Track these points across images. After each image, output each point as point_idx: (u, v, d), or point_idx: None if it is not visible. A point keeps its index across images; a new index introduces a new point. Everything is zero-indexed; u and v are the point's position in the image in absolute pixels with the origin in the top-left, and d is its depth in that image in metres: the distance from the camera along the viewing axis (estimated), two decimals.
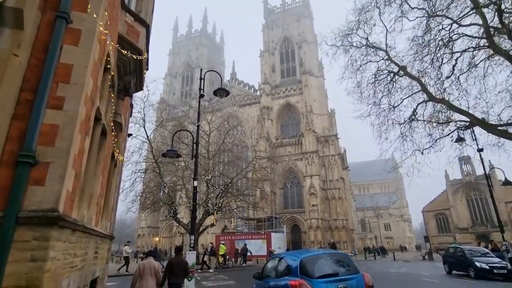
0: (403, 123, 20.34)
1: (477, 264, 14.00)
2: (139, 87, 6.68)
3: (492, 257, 14.86)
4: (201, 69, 12.22)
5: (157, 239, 56.37)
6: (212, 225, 26.06)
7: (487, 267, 13.61)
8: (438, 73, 18.35)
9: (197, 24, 78.04)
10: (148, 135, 25.30)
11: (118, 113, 5.64)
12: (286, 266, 5.35)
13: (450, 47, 17.01)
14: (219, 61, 78.18)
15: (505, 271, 13.27)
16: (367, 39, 21.00)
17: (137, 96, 24.39)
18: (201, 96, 11.44)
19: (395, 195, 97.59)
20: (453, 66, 16.56)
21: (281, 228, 44.28)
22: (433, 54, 17.67)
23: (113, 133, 5.54)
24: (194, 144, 10.87)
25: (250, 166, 28.51)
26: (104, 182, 5.63)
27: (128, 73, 5.73)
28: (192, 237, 9.61)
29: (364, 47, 21.33)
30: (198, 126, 11.21)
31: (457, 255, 16.07)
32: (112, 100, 5.18)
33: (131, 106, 8.64)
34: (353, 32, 21.27)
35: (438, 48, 17.42)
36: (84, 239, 4.17)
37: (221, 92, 11.41)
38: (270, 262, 6.64)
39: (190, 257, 9.35)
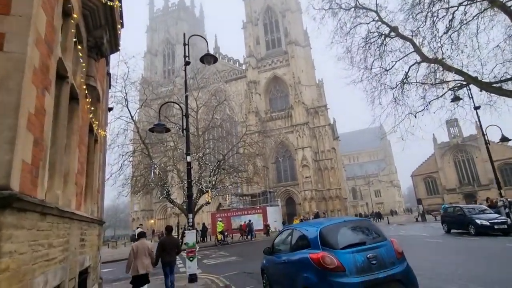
0: (395, 87, 19.79)
1: (478, 221, 14.04)
2: (114, 46, 5.65)
3: (491, 213, 14.95)
4: (184, 34, 11.08)
5: (152, 221, 56.15)
6: (207, 203, 25.61)
7: (488, 223, 13.65)
8: (433, 30, 17.63)
9: None
10: (133, 115, 24.01)
11: (91, 75, 4.68)
12: (302, 238, 4.73)
13: (445, 0, 16.20)
14: (201, 35, 74.74)
15: (506, 226, 13.34)
16: None
17: (117, 74, 22.84)
18: (187, 63, 10.41)
19: (384, 162, 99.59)
20: (450, 20, 15.81)
21: (275, 202, 44.54)
22: (426, 10, 16.85)
23: (87, 100, 4.60)
24: (184, 117, 9.97)
25: (241, 141, 27.78)
26: (83, 159, 4.76)
27: (99, 27, 4.72)
28: (190, 215, 8.96)
29: (353, 8, 20.30)
30: (186, 97, 10.28)
31: (456, 214, 16.15)
32: (81, 59, 4.21)
33: (109, 75, 7.60)
34: None
35: (432, 3, 16.57)
36: (62, 224, 3.38)
37: (208, 58, 10.42)
38: (281, 234, 6.05)
39: (190, 236, 8.76)
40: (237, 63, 60.19)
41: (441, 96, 18.30)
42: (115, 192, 25.98)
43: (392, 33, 19.34)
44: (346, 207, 51.51)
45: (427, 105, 18.94)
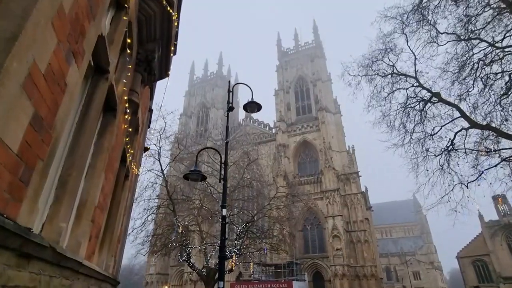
0: (440, 154, 18.17)
1: None
2: (164, 70, 5.02)
3: None
4: (229, 82, 10.80)
5: (166, 287, 51.92)
6: (231, 270, 22.97)
7: None
8: (484, 93, 16.61)
9: (213, 67, 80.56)
10: (163, 169, 23.60)
11: (135, 91, 3.89)
12: None
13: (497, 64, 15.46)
14: (233, 101, 78.97)
15: None
16: (393, 66, 19.72)
17: (153, 128, 23.21)
18: (231, 109, 9.84)
19: (421, 240, 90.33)
20: (507, 82, 14.78)
21: (302, 276, 40.04)
22: (474, 75, 16.06)
23: (126, 117, 3.72)
24: (222, 165, 8.99)
25: (271, 203, 26.04)
26: (108, 191, 3.70)
27: (153, 40, 4.09)
28: (221, 283, 7.27)
29: (390, 75, 20.01)
30: (226, 144, 9.44)
31: None
32: (129, 66, 3.45)
33: (151, 111, 6.98)
34: (378, 60, 20.09)
35: (479, 68, 15.85)
36: (59, 279, 2.14)
37: (253, 106, 9.84)
38: None
39: None
40: (267, 127, 61.41)
41: (494, 166, 16.32)
42: (133, 250, 24.25)
43: (434, 99, 18.46)
44: None
45: (481, 174, 16.89)
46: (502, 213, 51.95)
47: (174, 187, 24.95)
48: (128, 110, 3.85)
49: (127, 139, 4.19)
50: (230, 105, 9.98)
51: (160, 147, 23.11)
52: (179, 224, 22.93)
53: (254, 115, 64.93)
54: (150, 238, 23.71)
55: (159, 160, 23.03)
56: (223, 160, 9.20)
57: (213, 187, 26.77)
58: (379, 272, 46.16)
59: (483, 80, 15.56)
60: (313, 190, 48.52)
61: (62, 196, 2.18)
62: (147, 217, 23.06)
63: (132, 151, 4.61)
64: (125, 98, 3.71)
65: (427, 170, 17.92)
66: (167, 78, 5.36)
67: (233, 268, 22.58)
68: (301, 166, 54.65)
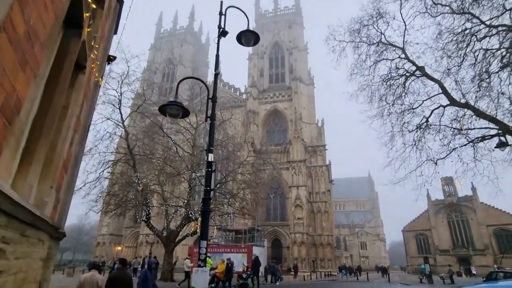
0: (416, 129, 17.86)
1: None
2: None
3: None
4: (221, 1, 8.57)
5: (119, 248, 49.87)
6: (194, 233, 21.70)
7: None
8: (466, 73, 16.21)
9: (183, 21, 74.42)
10: (124, 119, 20.80)
11: None
12: None
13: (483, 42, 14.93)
14: (203, 61, 74.53)
15: None
16: (383, 34, 18.62)
17: (115, 71, 20.01)
18: (223, 33, 7.78)
19: (370, 214, 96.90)
20: (504, 57, 14.24)
21: (262, 242, 40.35)
22: (464, 50, 15.40)
23: None
24: (210, 101, 7.11)
25: (242, 167, 24.68)
26: (33, 60, 1.71)
27: None
28: (204, 243, 5.68)
29: (377, 44, 18.96)
30: (216, 75, 7.51)
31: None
32: None
33: (120, 2, 4.79)
34: (369, 24, 18.89)
35: (467, 44, 15.20)
36: None
37: (249, 36, 7.90)
38: None
39: (199, 278, 5.42)
40: (238, 91, 58.88)
41: (464, 145, 16.29)
42: (84, 208, 21.61)
43: (418, 72, 17.78)
44: (336, 257, 47.49)
45: (451, 151, 16.84)
46: (447, 194, 56.35)
47: (135, 141, 22.36)
48: None
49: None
50: (222, 29, 7.89)
51: (121, 94, 20.18)
52: (139, 182, 20.74)
53: (225, 78, 61.73)
54: (105, 195, 21.27)
55: (119, 108, 20.19)
56: (210, 95, 7.30)
57: (178, 145, 24.58)
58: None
59: (475, 54, 14.97)
60: (280, 159, 48.10)
61: None
62: (102, 171, 20.50)
63: (95, 35, 2.61)
64: None
65: (404, 144, 17.61)
66: None
67: (198, 230, 21.23)
68: (270, 135, 53.75)
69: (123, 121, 20.60)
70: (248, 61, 59.95)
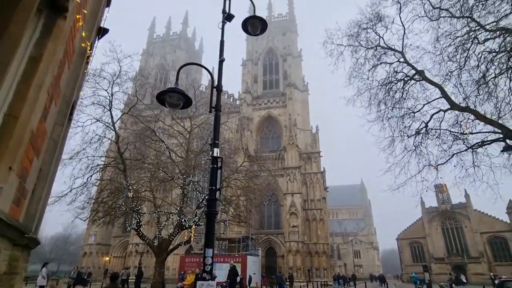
0: (415, 134, 17.50)
1: None
2: None
3: None
4: None
5: (107, 258, 47.88)
6: (187, 242, 20.55)
7: None
8: (466, 76, 15.93)
9: (176, 27, 73.61)
10: (115, 121, 19.74)
11: None
12: None
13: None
14: (197, 67, 73.76)
15: None
16: (381, 37, 18.36)
17: (105, 70, 19.00)
18: (229, 17, 7.04)
19: (363, 222, 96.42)
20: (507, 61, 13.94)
21: (256, 251, 39.23)
22: (466, 53, 15.12)
23: None
24: (214, 90, 6.32)
25: (237, 173, 23.75)
26: None
27: None
28: (210, 251, 4.80)
29: (375, 47, 18.71)
30: (221, 62, 6.73)
31: None
32: None
33: None
34: (368, 28, 18.66)
35: (467, 48, 14.94)
36: None
37: (256, 23, 7.20)
38: None
39: None
40: (231, 98, 58.15)
41: (464, 151, 15.92)
42: (69, 215, 20.22)
43: (417, 76, 17.49)
44: (332, 266, 46.50)
45: (451, 157, 16.51)
46: (441, 201, 56.28)
47: (126, 144, 21.27)
48: None
49: None
50: (227, 13, 7.14)
51: (112, 95, 19.19)
52: (130, 187, 19.60)
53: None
54: (93, 201, 20.01)
55: (110, 110, 19.15)
56: (215, 84, 6.51)
57: (172, 150, 23.57)
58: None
59: (477, 56, 14.69)
60: (274, 166, 47.26)
61: None
62: (90, 176, 19.31)
63: None
64: None
65: (405, 148, 17.20)
66: None
67: (192, 239, 20.13)
68: (263, 141, 53.02)
69: (113, 123, 19.54)
70: (242, 67, 59.55)
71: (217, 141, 5.78)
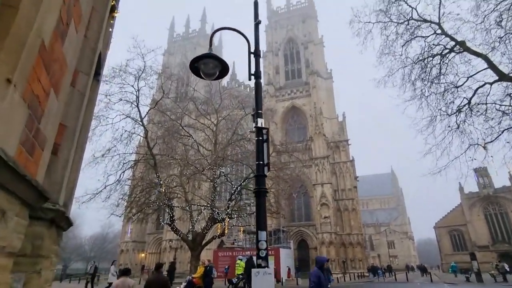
0: (456, 112, 15.94)
1: None
2: None
3: None
4: None
5: (142, 255, 49.20)
6: (221, 235, 20.24)
7: None
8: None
9: (195, 24, 73.75)
10: (143, 117, 19.67)
11: None
12: None
13: None
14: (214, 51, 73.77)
15: None
16: (415, 9, 16.86)
17: (130, 65, 18.94)
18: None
19: (396, 211, 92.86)
20: None
21: (288, 244, 38.59)
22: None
23: None
24: (252, 55, 5.58)
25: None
26: None
27: None
28: (263, 234, 4.12)
29: (407, 22, 17.18)
30: (256, 25, 5.97)
31: None
32: None
33: None
34: (397, 0, 17.19)
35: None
36: None
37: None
38: None
39: (261, 283, 3.87)
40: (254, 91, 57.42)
41: None
42: (105, 212, 20.45)
43: (457, 48, 15.85)
44: (366, 257, 44.96)
45: (502, 133, 14.97)
46: (482, 186, 52.66)
47: (155, 139, 21.23)
48: None
49: None
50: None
51: (138, 90, 19.08)
52: (161, 182, 19.51)
53: (240, 78, 60.50)
54: (127, 198, 20.14)
55: (137, 106, 19.08)
56: (252, 49, 5.75)
57: (200, 144, 23.31)
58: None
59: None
60: (301, 157, 46.11)
61: None
62: (123, 173, 19.40)
63: None
64: None
65: (449, 126, 15.78)
66: None
67: (226, 231, 19.76)
68: (289, 133, 51.93)
69: (141, 119, 19.48)
70: (263, 59, 58.41)
71: (260, 111, 5.07)
